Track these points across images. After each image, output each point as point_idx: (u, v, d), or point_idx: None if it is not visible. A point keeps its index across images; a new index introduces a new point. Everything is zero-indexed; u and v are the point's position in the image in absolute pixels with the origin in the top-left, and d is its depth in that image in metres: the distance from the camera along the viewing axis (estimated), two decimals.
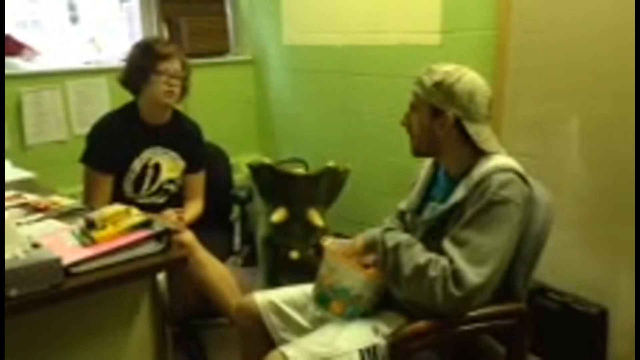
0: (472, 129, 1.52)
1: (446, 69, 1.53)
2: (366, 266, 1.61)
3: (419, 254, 1.47)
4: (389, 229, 1.62)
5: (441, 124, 1.53)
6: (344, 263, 1.59)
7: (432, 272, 1.41)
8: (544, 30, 2.20)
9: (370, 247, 1.61)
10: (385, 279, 1.56)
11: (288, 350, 1.49)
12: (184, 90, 2.31)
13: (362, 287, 1.57)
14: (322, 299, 1.63)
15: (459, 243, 1.43)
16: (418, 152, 1.63)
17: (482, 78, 1.55)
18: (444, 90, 1.51)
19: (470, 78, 1.52)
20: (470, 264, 1.39)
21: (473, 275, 1.38)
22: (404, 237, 1.55)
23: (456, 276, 1.39)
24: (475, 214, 1.44)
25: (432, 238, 1.53)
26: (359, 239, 1.65)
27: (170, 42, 2.46)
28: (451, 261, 1.41)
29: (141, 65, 2.21)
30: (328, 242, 1.70)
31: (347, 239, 1.73)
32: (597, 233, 2.17)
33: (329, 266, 1.62)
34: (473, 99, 1.51)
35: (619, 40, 2.00)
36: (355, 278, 1.57)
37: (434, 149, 1.58)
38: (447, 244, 1.46)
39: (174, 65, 2.22)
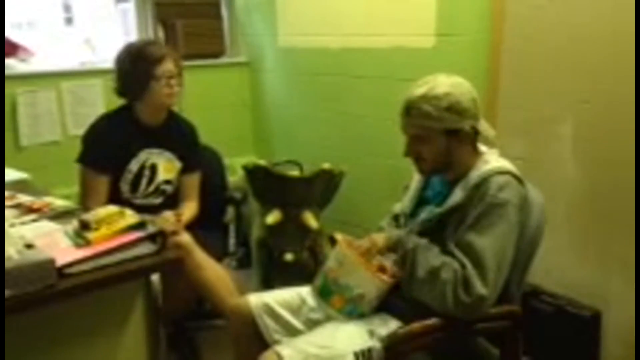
0: (481, 127, 1.55)
1: (445, 90, 1.49)
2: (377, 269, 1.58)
3: (434, 257, 1.48)
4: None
5: (459, 140, 1.53)
6: (355, 260, 1.56)
7: (445, 275, 1.43)
8: (537, 35, 2.21)
9: (393, 246, 1.59)
10: (398, 282, 1.55)
11: (283, 350, 1.49)
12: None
13: (366, 288, 1.55)
14: (324, 291, 1.61)
15: (466, 248, 1.45)
16: (433, 173, 1.63)
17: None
18: (455, 110, 1.49)
19: (466, 86, 1.53)
20: (478, 271, 1.41)
21: (481, 283, 1.40)
22: (423, 240, 1.55)
23: (466, 282, 1.41)
24: (478, 218, 1.46)
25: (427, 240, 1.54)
26: (380, 238, 1.61)
27: (160, 43, 2.45)
28: (463, 266, 1.42)
29: (137, 73, 2.18)
30: (341, 236, 1.66)
31: None
32: (591, 236, 2.17)
33: (338, 260, 1.59)
34: (476, 103, 1.53)
35: (610, 44, 2.01)
36: (362, 277, 1.55)
37: (449, 164, 1.58)
38: (454, 249, 1.47)
39: (169, 66, 2.21)
